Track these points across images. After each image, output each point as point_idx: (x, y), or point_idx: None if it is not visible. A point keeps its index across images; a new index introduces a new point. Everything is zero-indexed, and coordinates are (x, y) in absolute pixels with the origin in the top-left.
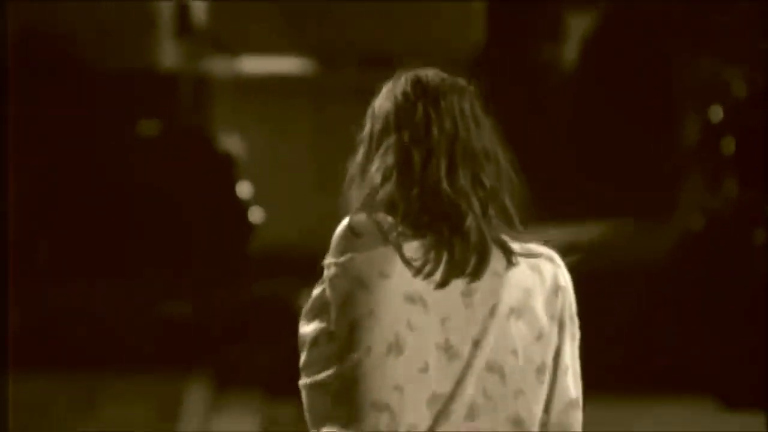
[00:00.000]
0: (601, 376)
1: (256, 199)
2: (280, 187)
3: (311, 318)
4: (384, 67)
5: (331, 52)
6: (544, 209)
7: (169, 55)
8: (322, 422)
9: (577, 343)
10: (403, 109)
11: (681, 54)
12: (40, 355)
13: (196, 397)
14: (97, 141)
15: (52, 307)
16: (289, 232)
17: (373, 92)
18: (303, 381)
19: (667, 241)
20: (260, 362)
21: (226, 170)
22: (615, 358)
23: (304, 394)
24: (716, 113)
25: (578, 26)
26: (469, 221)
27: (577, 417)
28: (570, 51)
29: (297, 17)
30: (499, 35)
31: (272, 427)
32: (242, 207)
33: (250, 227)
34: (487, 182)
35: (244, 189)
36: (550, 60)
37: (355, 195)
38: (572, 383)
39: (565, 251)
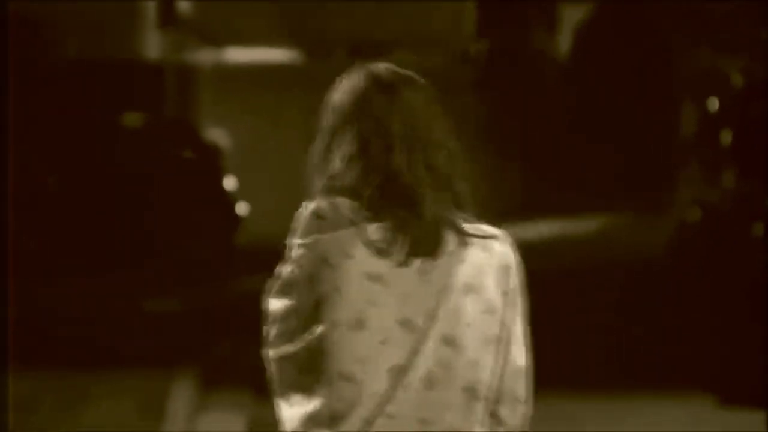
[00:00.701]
0: (596, 372)
1: (243, 193)
2: (268, 179)
3: (279, 295)
4: (375, 56)
5: (321, 42)
6: (539, 199)
7: (153, 46)
8: (288, 391)
9: (524, 316)
10: (360, 102)
11: (679, 45)
12: (24, 354)
13: (182, 395)
14: (79, 133)
15: (36, 305)
16: (278, 226)
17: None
18: (271, 353)
19: (664, 235)
20: (248, 360)
21: (212, 163)
22: (610, 354)
23: (272, 366)
24: (714, 104)
25: (573, 17)
26: (425, 205)
27: (524, 383)
28: (565, 42)
29: (285, 6)
30: (493, 25)
31: (260, 427)
32: (229, 200)
33: (237, 221)
34: (440, 169)
35: (230, 182)
36: (544, 50)
37: (317, 181)
38: (520, 353)
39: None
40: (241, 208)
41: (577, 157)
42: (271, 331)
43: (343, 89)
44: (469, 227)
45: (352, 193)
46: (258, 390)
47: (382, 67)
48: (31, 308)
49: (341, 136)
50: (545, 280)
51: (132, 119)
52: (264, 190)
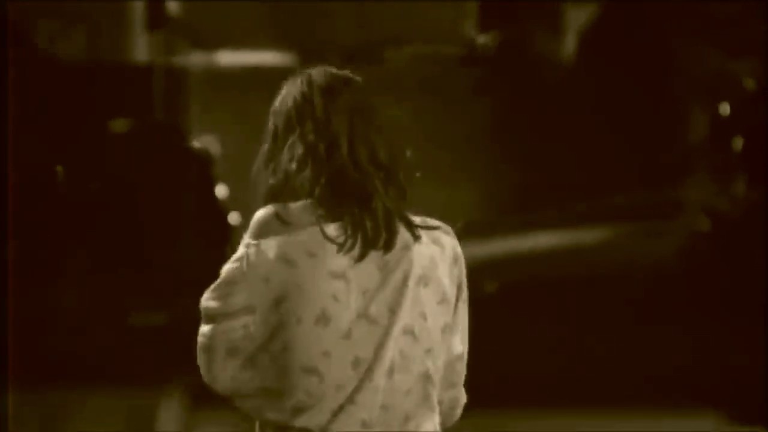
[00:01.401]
0: (597, 387)
1: (235, 201)
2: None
3: (222, 293)
4: (369, 59)
5: (314, 45)
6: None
7: (141, 49)
8: (245, 391)
9: (467, 305)
10: (302, 107)
11: (686, 47)
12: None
13: (169, 412)
14: (64, 138)
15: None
16: None
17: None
18: (215, 357)
19: (672, 244)
20: None
21: (203, 170)
22: (612, 368)
23: (222, 370)
24: (724, 108)
25: (577, 18)
26: (375, 201)
27: (462, 368)
28: (569, 43)
29: (278, 8)
30: (495, 26)
31: None
32: (220, 209)
33: (229, 231)
34: (386, 165)
35: (221, 190)
36: (548, 52)
37: (265, 184)
38: (459, 340)
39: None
40: (233, 218)
41: (582, 162)
42: (209, 328)
43: (285, 94)
44: (418, 220)
45: (304, 194)
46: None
47: (321, 70)
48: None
49: (286, 140)
50: (548, 289)
51: (119, 124)
52: (257, 198)
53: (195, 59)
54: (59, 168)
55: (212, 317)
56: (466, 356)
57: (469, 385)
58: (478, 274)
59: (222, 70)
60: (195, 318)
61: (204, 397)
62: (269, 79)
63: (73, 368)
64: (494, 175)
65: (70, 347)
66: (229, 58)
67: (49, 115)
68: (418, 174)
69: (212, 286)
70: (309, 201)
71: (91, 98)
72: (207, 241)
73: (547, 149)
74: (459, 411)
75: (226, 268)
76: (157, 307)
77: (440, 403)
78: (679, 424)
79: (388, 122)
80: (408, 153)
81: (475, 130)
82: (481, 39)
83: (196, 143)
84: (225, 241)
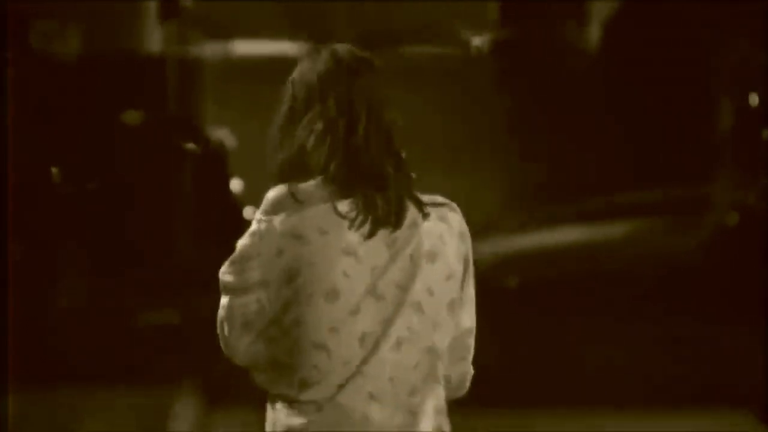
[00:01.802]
0: (630, 386)
1: (251, 196)
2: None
3: (237, 269)
4: (387, 47)
5: (330, 33)
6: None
7: (154, 39)
8: (259, 364)
9: (473, 279)
10: (327, 83)
11: (713, 37)
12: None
13: (183, 414)
14: (74, 131)
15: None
16: None
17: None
18: (233, 329)
19: (698, 239)
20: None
21: (217, 164)
22: (641, 368)
23: (239, 341)
24: (753, 99)
25: (602, 8)
26: (388, 181)
27: (471, 342)
28: (594, 32)
29: None
30: (518, 14)
31: None
32: (235, 204)
33: (243, 226)
34: (395, 151)
35: (236, 185)
36: (572, 42)
37: (278, 158)
38: (468, 314)
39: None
40: (248, 212)
41: (606, 155)
42: (227, 300)
43: (307, 69)
44: (425, 198)
45: (318, 170)
46: (265, 408)
47: (344, 48)
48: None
49: (304, 114)
50: (570, 285)
51: (132, 116)
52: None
53: (209, 50)
54: (54, 169)
55: (229, 291)
56: (474, 331)
57: (495, 383)
58: (503, 269)
59: (236, 61)
60: (208, 316)
61: (218, 397)
62: (284, 70)
63: (82, 368)
64: (519, 169)
65: (81, 346)
66: (243, 48)
67: (56, 111)
68: (414, 175)
69: (228, 260)
70: (321, 178)
71: (100, 91)
72: (221, 237)
73: (568, 144)
74: (467, 384)
75: (241, 243)
76: (170, 305)
77: (449, 377)
78: (709, 424)
79: (397, 111)
80: (403, 153)
81: (498, 124)
82: (477, 41)
83: (210, 136)
84: (239, 236)
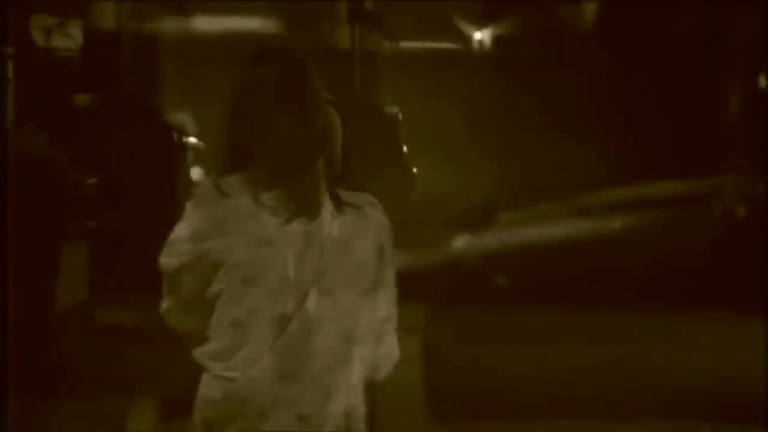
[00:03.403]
0: (640, 399)
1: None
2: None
3: (168, 251)
4: (363, 24)
5: (300, 9)
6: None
7: (109, 14)
8: (191, 338)
9: (393, 270)
10: (248, 81)
11: (723, 20)
12: None
13: (139, 423)
14: (25, 115)
15: None
16: None
17: (348, 53)
18: (168, 304)
19: (706, 231)
20: None
21: (177, 152)
22: (652, 378)
23: (172, 314)
24: (763, 80)
25: None
26: (310, 177)
27: (389, 329)
28: (602, 12)
29: None
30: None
31: None
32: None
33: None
34: (321, 138)
35: (197, 173)
36: (572, 24)
37: (226, 156)
38: (386, 302)
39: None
40: (195, 173)
41: (608, 144)
42: (166, 282)
43: (240, 73)
44: (344, 193)
45: (248, 164)
46: None
47: (269, 45)
48: None
49: (236, 114)
50: (573, 283)
51: (84, 100)
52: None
53: (170, 26)
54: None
55: (163, 271)
56: (394, 317)
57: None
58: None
59: (200, 38)
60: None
61: (176, 408)
62: (252, 48)
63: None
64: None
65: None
66: (207, 24)
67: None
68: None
69: (168, 242)
70: (247, 172)
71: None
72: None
73: (564, 130)
74: (389, 367)
75: (174, 230)
76: (126, 303)
77: (368, 359)
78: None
79: (326, 97)
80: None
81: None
82: (478, 35)
83: (171, 120)
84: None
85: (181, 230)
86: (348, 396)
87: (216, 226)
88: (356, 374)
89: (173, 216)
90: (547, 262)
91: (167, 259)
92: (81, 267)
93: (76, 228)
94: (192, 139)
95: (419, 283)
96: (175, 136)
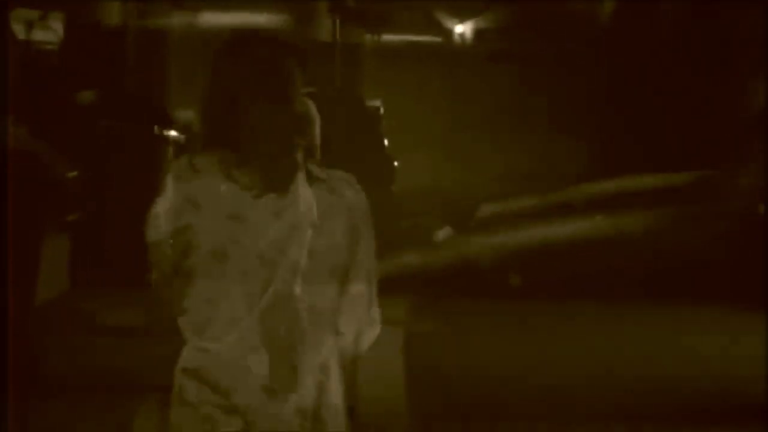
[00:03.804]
0: (654, 403)
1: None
2: None
3: (150, 225)
4: (364, 20)
5: (306, 4)
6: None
7: (115, 11)
8: (173, 308)
9: (371, 248)
10: (225, 63)
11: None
12: None
13: (144, 425)
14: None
15: None
16: None
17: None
18: (154, 275)
19: (722, 229)
20: None
21: (157, 144)
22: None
23: (158, 285)
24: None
25: None
26: (284, 153)
27: (363, 306)
28: (618, 8)
29: None
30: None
31: None
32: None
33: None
34: (296, 118)
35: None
36: (584, 16)
37: (202, 133)
38: (359, 281)
39: None
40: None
41: (623, 139)
42: (150, 253)
43: (217, 55)
44: (318, 171)
45: (228, 143)
46: None
47: (246, 29)
48: None
49: (214, 93)
50: (588, 281)
51: (86, 96)
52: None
53: (176, 21)
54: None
55: (147, 243)
56: (370, 294)
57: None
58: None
59: (206, 34)
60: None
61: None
62: None
63: (33, 374)
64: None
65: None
66: (212, 19)
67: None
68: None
69: (150, 217)
70: (221, 150)
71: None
72: None
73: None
74: (365, 344)
75: (154, 204)
76: (126, 304)
77: (342, 335)
78: None
79: (303, 80)
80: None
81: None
82: (459, 28)
83: (178, 118)
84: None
85: (158, 205)
86: (320, 371)
87: (189, 202)
88: (327, 350)
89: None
90: (563, 260)
91: (149, 232)
92: (62, 259)
93: (56, 221)
94: (173, 132)
95: (430, 282)
96: (156, 129)
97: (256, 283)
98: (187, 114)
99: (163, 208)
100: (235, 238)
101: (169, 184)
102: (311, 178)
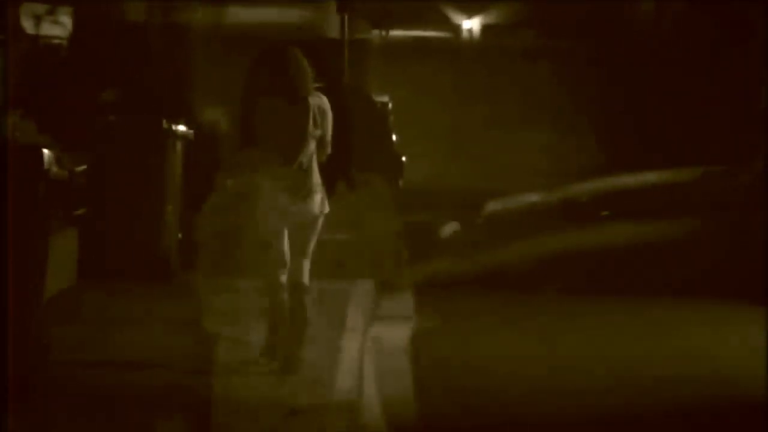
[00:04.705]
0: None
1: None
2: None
3: (209, 216)
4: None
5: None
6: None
7: (138, 6)
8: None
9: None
10: (253, 76)
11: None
12: None
13: None
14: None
15: None
16: None
17: (369, 43)
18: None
19: (725, 228)
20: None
21: (210, 145)
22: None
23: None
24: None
25: None
26: (307, 163)
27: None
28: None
29: None
30: None
31: None
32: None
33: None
34: (315, 127)
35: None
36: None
37: (240, 140)
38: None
39: None
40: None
41: (643, 134)
42: (203, 247)
43: (248, 68)
44: (317, 178)
45: (267, 148)
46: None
47: (272, 44)
48: None
49: (248, 105)
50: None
51: (110, 95)
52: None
53: (203, 17)
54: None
55: (197, 239)
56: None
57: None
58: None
59: (232, 29)
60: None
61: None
62: (285, 35)
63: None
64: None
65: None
66: (239, 15)
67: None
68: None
69: (203, 212)
70: (250, 152)
71: (82, 63)
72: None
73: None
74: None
75: (204, 204)
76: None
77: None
78: None
79: (319, 90)
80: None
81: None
82: (467, 24)
83: (203, 115)
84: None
85: (208, 203)
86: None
87: (237, 193)
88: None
89: (160, 204)
90: (604, 268)
91: (199, 229)
92: (70, 254)
93: (64, 216)
94: (182, 127)
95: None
96: (165, 123)
97: (287, 267)
98: (211, 111)
99: (213, 204)
100: (276, 229)
101: (226, 178)
102: (315, 182)
